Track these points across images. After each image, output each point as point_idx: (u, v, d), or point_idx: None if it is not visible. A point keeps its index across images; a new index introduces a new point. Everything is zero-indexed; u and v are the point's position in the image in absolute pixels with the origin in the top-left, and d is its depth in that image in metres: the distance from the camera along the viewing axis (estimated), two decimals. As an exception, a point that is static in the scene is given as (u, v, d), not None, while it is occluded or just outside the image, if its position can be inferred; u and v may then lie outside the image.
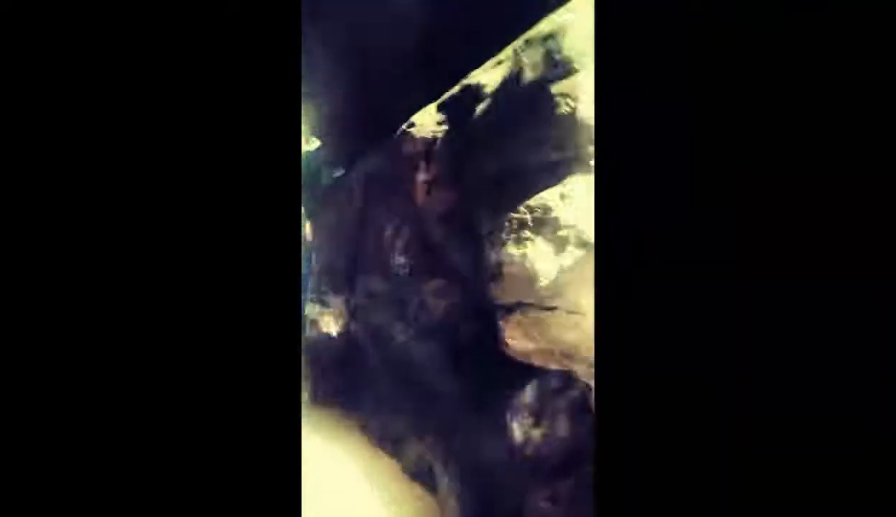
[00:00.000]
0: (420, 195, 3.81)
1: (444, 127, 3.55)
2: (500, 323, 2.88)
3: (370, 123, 5.04)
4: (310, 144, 6.98)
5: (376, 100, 4.94)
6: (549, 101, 2.63)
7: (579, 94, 2.53)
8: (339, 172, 6.15)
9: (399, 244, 4.21)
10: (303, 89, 5.66)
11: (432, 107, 3.75)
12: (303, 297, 6.19)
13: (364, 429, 4.76)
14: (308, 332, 5.90)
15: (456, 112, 3.46)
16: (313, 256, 6.39)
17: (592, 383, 2.69)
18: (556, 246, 2.53)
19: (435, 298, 3.86)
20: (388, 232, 4.34)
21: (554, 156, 2.64)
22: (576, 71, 2.58)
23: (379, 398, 4.72)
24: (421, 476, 4.05)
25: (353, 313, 5.05)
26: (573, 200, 2.52)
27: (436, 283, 3.83)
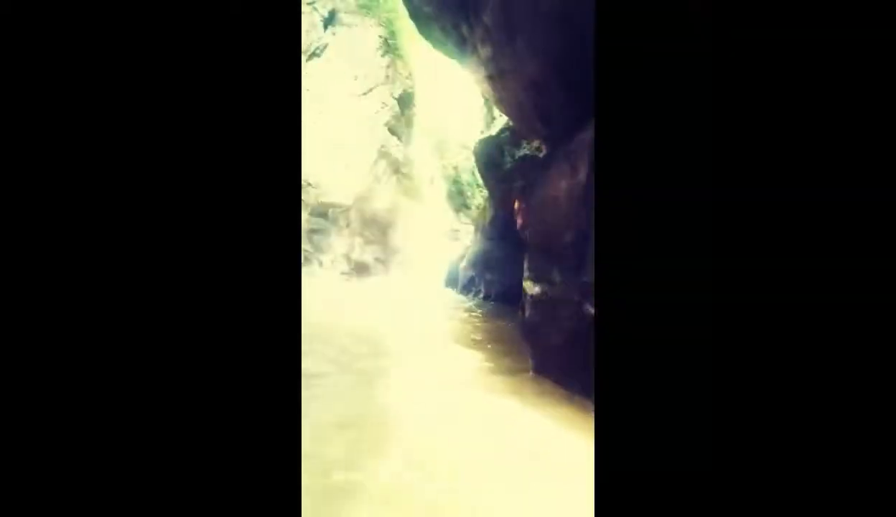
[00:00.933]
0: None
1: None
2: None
3: (580, 91, 4.58)
4: (494, 125, 6.96)
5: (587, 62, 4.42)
6: None
7: None
8: (535, 148, 5.95)
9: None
10: (493, 68, 5.58)
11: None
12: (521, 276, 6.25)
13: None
14: (528, 311, 5.92)
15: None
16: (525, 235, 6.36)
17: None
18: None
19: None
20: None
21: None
22: None
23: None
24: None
25: (584, 288, 4.76)
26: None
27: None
